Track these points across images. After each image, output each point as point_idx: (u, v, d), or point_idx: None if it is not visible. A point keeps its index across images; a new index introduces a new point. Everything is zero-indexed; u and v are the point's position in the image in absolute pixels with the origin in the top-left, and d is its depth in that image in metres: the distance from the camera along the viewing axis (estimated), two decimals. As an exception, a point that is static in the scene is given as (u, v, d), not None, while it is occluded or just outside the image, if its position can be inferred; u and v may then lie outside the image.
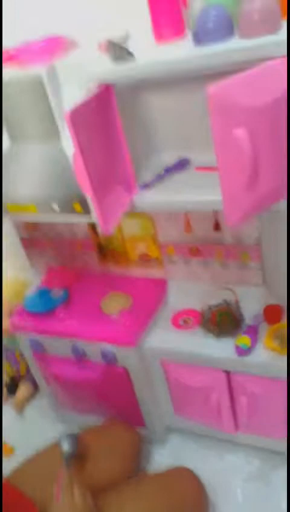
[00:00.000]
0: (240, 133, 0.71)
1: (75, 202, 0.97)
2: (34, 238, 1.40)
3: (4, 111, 1.02)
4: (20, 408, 1.57)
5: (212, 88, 0.69)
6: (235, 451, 1.30)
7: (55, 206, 0.99)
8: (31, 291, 1.38)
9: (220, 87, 0.69)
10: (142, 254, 1.28)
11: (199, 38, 0.79)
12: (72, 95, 0.89)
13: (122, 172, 0.95)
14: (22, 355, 1.55)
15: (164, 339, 1.20)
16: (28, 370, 1.58)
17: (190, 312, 1.24)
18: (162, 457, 1.34)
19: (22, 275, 1.51)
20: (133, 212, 1.18)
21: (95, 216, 0.92)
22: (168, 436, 1.39)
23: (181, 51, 0.81)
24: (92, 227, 1.30)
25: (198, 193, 0.93)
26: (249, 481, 1.24)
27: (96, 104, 0.87)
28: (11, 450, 1.45)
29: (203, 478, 1.14)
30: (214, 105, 0.70)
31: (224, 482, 1.23)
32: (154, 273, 1.31)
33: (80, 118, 0.81)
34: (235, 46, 0.75)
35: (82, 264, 1.40)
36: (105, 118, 0.88)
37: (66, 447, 1.06)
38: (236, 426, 1.23)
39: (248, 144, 0.71)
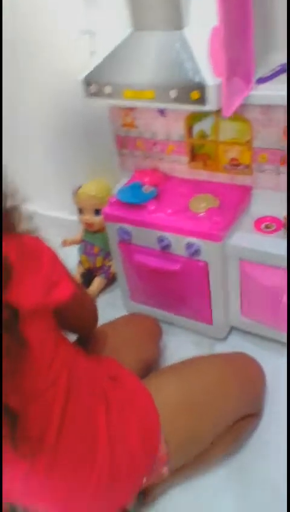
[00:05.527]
0: None
1: (194, 90, 1.03)
2: (128, 137, 1.47)
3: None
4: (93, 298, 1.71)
5: None
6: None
7: (173, 93, 1.06)
8: (121, 185, 1.47)
9: None
10: (232, 158, 1.34)
11: None
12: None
13: (245, 63, 1.00)
14: (100, 250, 1.68)
15: (246, 239, 1.28)
16: (103, 264, 1.71)
17: (272, 219, 1.32)
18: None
19: (111, 175, 1.60)
20: (233, 115, 1.23)
21: (215, 101, 0.98)
22: (229, 336, 1.51)
23: None
24: (189, 128, 1.36)
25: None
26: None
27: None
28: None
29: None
30: None
31: (282, 379, 1.34)
32: (241, 180, 1.37)
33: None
34: None
35: (170, 167, 1.47)
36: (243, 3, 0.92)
37: None
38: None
39: None
